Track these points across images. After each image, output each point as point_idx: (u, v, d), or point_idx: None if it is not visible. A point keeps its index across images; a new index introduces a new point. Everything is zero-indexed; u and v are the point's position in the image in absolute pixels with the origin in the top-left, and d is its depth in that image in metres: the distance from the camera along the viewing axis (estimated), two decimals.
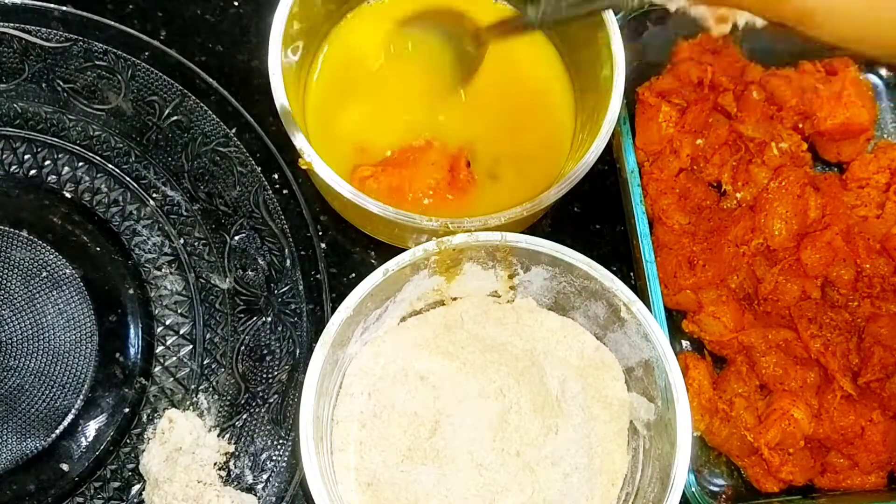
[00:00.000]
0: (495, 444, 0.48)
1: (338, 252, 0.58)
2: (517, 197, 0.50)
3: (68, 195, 0.56)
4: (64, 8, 0.58)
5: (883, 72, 0.63)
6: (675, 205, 0.56)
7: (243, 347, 0.54)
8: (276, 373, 0.54)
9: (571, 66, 0.56)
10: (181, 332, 0.55)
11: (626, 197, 0.56)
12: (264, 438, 0.53)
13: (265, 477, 0.52)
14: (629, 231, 0.57)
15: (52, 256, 0.54)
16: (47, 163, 0.56)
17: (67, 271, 0.54)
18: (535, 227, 0.58)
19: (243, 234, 0.56)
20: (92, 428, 0.52)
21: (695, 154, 0.58)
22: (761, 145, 0.57)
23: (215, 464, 0.51)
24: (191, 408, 0.53)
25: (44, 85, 0.57)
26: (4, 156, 0.56)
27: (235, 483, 0.52)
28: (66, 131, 0.57)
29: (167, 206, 0.56)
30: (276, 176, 0.57)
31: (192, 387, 0.54)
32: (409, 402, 0.49)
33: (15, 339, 0.52)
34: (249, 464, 0.52)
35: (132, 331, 0.54)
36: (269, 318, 0.55)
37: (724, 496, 0.54)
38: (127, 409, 0.53)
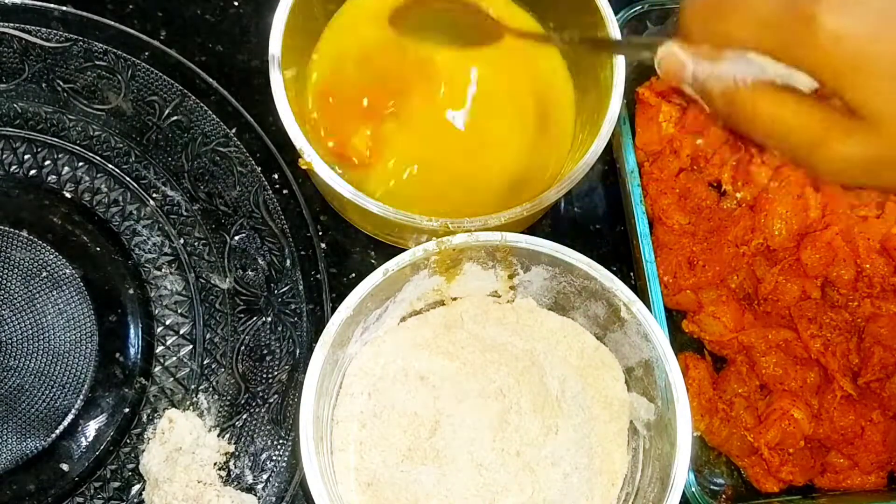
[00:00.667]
0: (495, 444, 0.48)
1: (338, 252, 0.58)
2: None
3: (68, 195, 0.56)
4: (64, 8, 0.58)
5: None
6: (675, 205, 0.56)
7: (243, 347, 0.54)
8: (276, 373, 0.54)
9: (571, 66, 0.56)
10: (181, 332, 0.55)
11: (626, 197, 0.56)
12: (264, 438, 0.53)
13: (265, 477, 0.52)
14: (629, 231, 0.57)
15: (52, 256, 0.54)
16: (47, 163, 0.56)
17: (67, 271, 0.54)
18: (535, 227, 0.58)
19: (243, 234, 0.56)
20: (92, 428, 0.52)
21: (695, 154, 0.58)
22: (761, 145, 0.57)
23: (215, 464, 0.51)
24: (191, 408, 0.53)
25: (44, 85, 0.57)
26: (4, 156, 0.56)
27: (235, 483, 0.52)
28: (66, 131, 0.57)
29: (167, 206, 0.56)
30: (276, 176, 0.57)
31: (192, 387, 0.54)
32: (409, 402, 0.49)
33: (15, 339, 0.52)
34: (249, 464, 0.52)
35: (132, 331, 0.54)
36: (269, 318, 0.55)
37: (724, 496, 0.54)
38: (127, 409, 0.53)
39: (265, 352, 0.54)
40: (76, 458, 0.52)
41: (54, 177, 0.56)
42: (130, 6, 0.61)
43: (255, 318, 0.55)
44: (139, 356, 0.54)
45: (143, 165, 0.57)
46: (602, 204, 0.61)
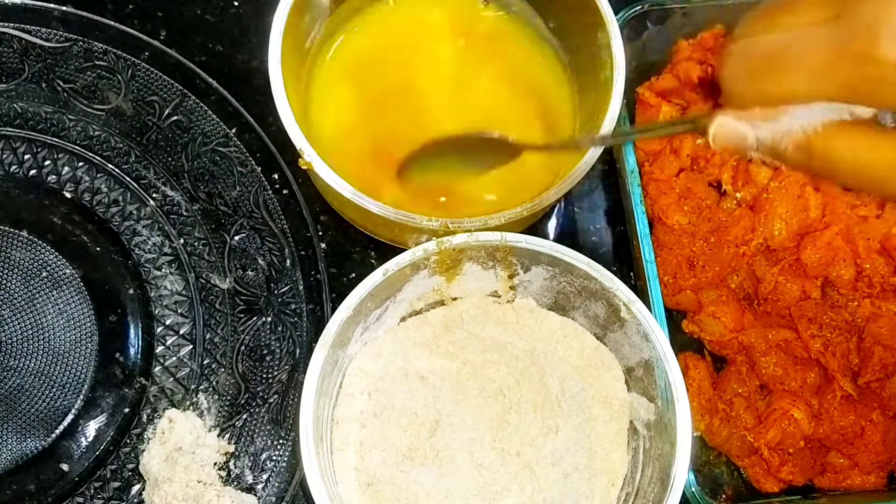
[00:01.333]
0: (495, 444, 0.48)
1: (338, 252, 0.58)
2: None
3: (68, 195, 0.56)
4: (64, 8, 0.58)
5: None
6: (675, 205, 0.56)
7: (243, 347, 0.54)
8: (276, 373, 0.54)
9: (571, 66, 0.56)
10: (181, 332, 0.55)
11: (626, 197, 0.56)
12: (264, 438, 0.53)
13: (265, 477, 0.52)
14: (629, 231, 0.57)
15: (52, 256, 0.54)
16: (47, 163, 0.56)
17: (67, 271, 0.54)
18: (535, 227, 0.58)
19: (243, 234, 0.56)
20: (92, 428, 0.52)
21: (695, 154, 0.58)
22: None
23: (215, 464, 0.51)
24: (191, 408, 0.53)
25: (44, 85, 0.57)
26: (4, 156, 0.56)
27: (235, 483, 0.52)
28: (66, 131, 0.57)
29: (167, 206, 0.56)
30: (276, 176, 0.57)
31: (192, 387, 0.54)
32: (409, 402, 0.49)
33: (15, 339, 0.52)
34: (249, 464, 0.52)
35: (132, 331, 0.54)
36: (269, 318, 0.55)
37: (724, 496, 0.54)
38: (127, 409, 0.53)
39: (265, 352, 0.54)
40: (76, 458, 0.52)
41: (54, 177, 0.56)
42: (130, 6, 0.61)
43: (255, 318, 0.55)
44: (139, 356, 0.54)
45: (143, 165, 0.57)
46: (602, 204, 0.61)
